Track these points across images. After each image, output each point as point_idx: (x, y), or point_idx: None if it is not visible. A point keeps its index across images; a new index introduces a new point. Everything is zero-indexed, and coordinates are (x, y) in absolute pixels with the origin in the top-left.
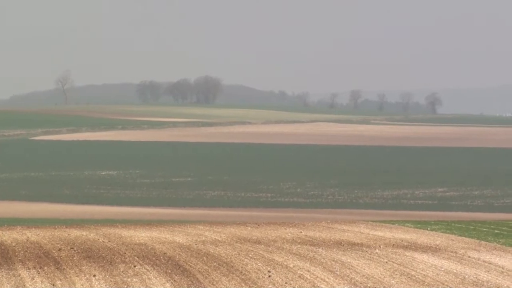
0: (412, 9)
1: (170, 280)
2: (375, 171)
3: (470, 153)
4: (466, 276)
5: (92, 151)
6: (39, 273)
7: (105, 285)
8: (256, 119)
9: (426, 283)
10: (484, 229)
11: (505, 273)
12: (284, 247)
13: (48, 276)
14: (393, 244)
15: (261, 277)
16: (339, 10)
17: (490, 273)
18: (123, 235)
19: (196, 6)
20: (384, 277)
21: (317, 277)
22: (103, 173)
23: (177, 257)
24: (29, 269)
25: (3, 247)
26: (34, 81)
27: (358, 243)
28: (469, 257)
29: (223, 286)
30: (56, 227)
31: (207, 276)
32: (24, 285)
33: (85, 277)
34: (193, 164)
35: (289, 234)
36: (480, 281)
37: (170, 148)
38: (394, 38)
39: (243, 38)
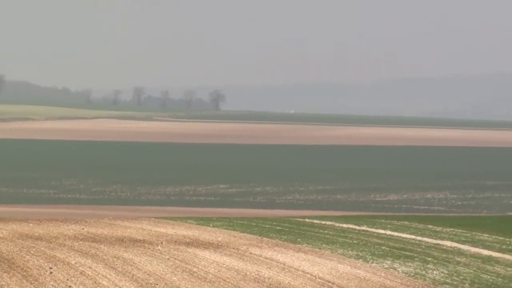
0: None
1: None
2: (158, 168)
3: (253, 149)
4: (248, 273)
5: None
6: None
7: None
8: (38, 116)
9: (208, 280)
10: (266, 226)
11: (286, 270)
12: (66, 243)
13: None
14: (175, 241)
15: (42, 273)
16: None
17: (271, 270)
18: None
19: None
20: (166, 273)
21: (99, 273)
22: None
23: None
24: None
25: None
26: None
27: (140, 240)
28: (251, 253)
29: (4, 283)
30: None
31: None
32: None
33: None
34: None
35: (71, 230)
36: (261, 278)
37: None
38: (179, 36)
39: (27, 35)
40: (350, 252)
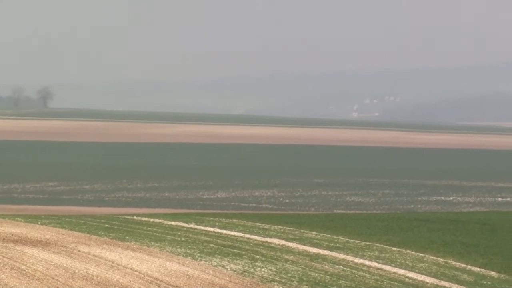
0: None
1: None
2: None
3: (80, 147)
4: (76, 271)
5: None
6: None
7: None
8: None
9: (36, 278)
10: (95, 224)
11: (114, 267)
12: None
13: None
14: (3, 238)
15: None
16: None
17: (100, 267)
18: None
19: None
20: None
21: None
22: None
23: None
24: None
25: None
26: None
27: None
28: (79, 251)
29: None
30: None
31: None
32: None
33: None
34: None
35: None
36: (90, 275)
37: None
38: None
39: None
40: (178, 249)
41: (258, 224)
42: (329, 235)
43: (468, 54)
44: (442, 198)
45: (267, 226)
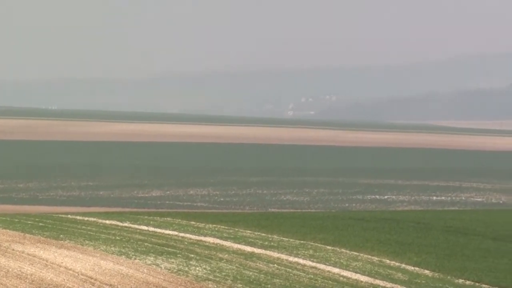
0: None
1: None
2: None
3: (10, 145)
4: (10, 269)
5: None
6: None
7: None
8: None
9: None
10: (29, 222)
11: (49, 266)
12: None
13: None
14: None
15: None
16: None
17: (34, 266)
18: None
19: None
20: None
21: None
22: None
23: None
24: None
25: None
26: None
27: None
28: (13, 250)
29: None
30: None
31: None
32: None
33: None
34: None
35: None
36: (24, 274)
37: None
38: None
39: None
40: (113, 248)
41: (192, 222)
42: (263, 234)
43: (405, 53)
44: (377, 197)
45: (201, 225)
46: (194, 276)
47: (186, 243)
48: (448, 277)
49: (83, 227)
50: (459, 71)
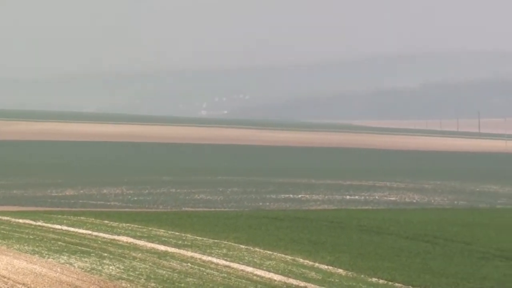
0: None
1: None
2: None
3: None
4: None
5: None
6: None
7: None
8: None
9: None
10: None
11: None
12: None
13: None
14: None
15: None
16: None
17: None
18: None
19: None
20: None
21: None
22: None
23: None
24: None
25: None
26: None
27: None
28: None
29: None
30: None
31: None
32: None
33: None
34: None
35: None
36: None
37: None
38: None
39: None
40: (26, 247)
41: (106, 221)
42: (177, 233)
43: (321, 53)
44: (291, 196)
45: (115, 224)
46: (107, 275)
47: (99, 242)
48: (362, 276)
49: None
50: (374, 71)
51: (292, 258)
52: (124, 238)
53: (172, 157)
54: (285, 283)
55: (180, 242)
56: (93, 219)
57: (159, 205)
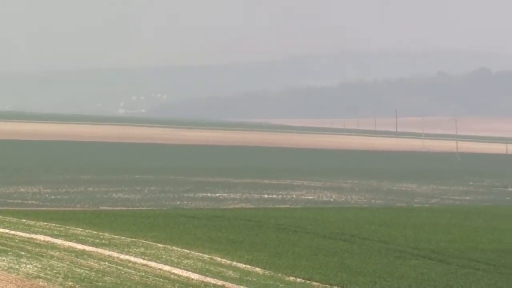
0: None
1: None
2: None
3: None
4: None
5: None
6: None
7: None
8: None
9: None
10: None
11: None
12: None
13: None
14: None
15: None
16: None
17: None
18: None
19: None
20: None
21: None
22: None
23: None
24: None
25: None
26: None
27: None
28: None
29: None
30: None
31: None
32: None
33: None
34: None
35: None
36: None
37: None
38: None
39: None
40: None
41: (23, 220)
42: (95, 232)
43: (238, 53)
44: (208, 194)
45: (32, 223)
46: (25, 273)
47: (17, 240)
48: (279, 274)
49: None
50: (289, 70)
51: (210, 257)
52: (41, 237)
53: (90, 156)
54: (202, 281)
55: (97, 241)
56: (10, 217)
57: (76, 204)
